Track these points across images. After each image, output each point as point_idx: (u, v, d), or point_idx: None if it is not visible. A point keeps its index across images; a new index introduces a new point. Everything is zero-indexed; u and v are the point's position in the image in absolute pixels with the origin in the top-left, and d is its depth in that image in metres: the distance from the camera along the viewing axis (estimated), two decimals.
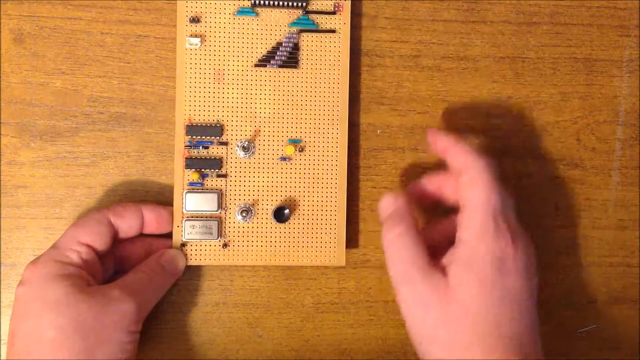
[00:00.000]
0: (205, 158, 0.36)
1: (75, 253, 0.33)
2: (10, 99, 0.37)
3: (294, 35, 0.37)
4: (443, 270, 0.32)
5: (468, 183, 0.33)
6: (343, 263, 0.37)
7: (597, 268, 0.40)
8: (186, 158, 0.36)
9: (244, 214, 0.36)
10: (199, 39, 0.36)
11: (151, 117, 0.38)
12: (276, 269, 0.38)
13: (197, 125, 0.36)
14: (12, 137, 0.37)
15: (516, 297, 0.32)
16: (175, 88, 0.36)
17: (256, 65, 0.37)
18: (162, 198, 0.38)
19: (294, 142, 0.37)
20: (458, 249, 0.32)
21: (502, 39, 0.39)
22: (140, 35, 0.37)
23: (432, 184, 0.36)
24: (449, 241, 0.34)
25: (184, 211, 0.36)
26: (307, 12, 0.37)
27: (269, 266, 0.38)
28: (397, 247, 0.33)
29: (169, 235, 0.36)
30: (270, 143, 0.37)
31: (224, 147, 0.36)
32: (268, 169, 0.37)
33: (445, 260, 0.33)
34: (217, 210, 0.36)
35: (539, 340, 0.33)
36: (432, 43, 0.39)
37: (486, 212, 0.32)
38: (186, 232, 0.36)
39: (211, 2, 0.36)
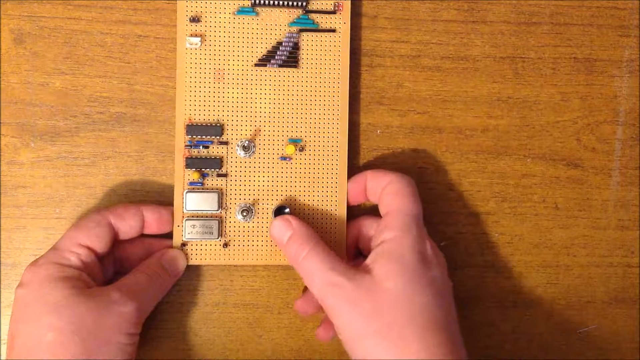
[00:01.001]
0: (206, 157, 0.36)
1: (75, 255, 0.33)
2: (10, 99, 0.37)
3: (294, 35, 0.37)
4: (366, 269, 0.33)
5: (393, 192, 0.35)
6: None
7: (597, 268, 0.40)
8: (186, 158, 0.36)
9: (244, 214, 0.36)
10: (199, 39, 0.36)
11: (151, 117, 0.38)
12: (276, 269, 0.38)
13: (197, 125, 0.36)
14: (12, 137, 0.37)
15: (439, 287, 0.33)
16: (175, 88, 0.36)
17: (256, 65, 0.37)
18: (162, 198, 0.38)
19: (294, 141, 0.37)
20: (381, 247, 0.33)
21: (502, 39, 0.39)
22: (140, 35, 0.37)
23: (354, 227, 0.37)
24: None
25: (185, 211, 0.36)
26: (307, 12, 0.37)
27: (269, 266, 0.38)
28: (314, 261, 0.33)
29: (169, 235, 0.36)
30: (271, 142, 0.37)
31: (224, 146, 0.36)
32: (268, 169, 0.37)
33: (367, 261, 0.33)
34: (217, 210, 0.36)
35: (460, 334, 0.33)
36: (432, 43, 0.39)
37: (410, 216, 0.34)
38: (186, 231, 0.36)
39: (211, 1, 0.36)
